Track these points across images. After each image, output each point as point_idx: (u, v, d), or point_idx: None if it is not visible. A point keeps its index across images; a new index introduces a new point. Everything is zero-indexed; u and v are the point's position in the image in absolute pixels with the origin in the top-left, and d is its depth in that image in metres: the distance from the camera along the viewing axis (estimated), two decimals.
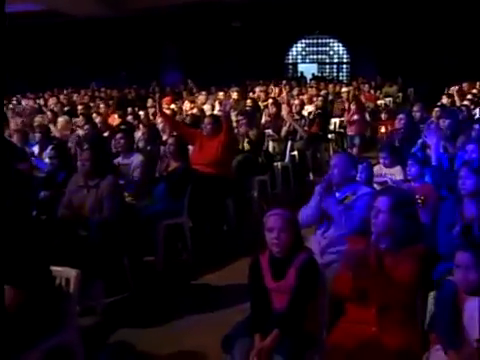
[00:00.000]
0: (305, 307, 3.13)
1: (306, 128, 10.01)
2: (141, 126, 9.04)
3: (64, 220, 4.83)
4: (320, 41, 26.81)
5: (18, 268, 3.38)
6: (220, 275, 5.65)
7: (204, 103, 12.67)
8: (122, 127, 7.92)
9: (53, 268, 3.65)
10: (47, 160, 6.73)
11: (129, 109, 11.62)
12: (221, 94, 13.17)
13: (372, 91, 15.97)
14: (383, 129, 9.63)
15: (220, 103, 11.89)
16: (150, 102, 13.15)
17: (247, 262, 5.21)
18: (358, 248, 3.29)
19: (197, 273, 5.66)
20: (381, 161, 5.92)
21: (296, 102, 10.87)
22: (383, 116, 10.62)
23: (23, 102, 15.69)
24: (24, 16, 21.65)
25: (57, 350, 3.61)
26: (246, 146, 7.73)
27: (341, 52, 26.82)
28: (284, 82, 15.49)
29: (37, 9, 20.75)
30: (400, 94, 17.15)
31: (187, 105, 12.13)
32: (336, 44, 26.72)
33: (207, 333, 4.35)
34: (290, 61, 27.28)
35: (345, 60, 26.89)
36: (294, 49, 27.12)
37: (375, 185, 5.31)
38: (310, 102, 12.36)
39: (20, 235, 3.49)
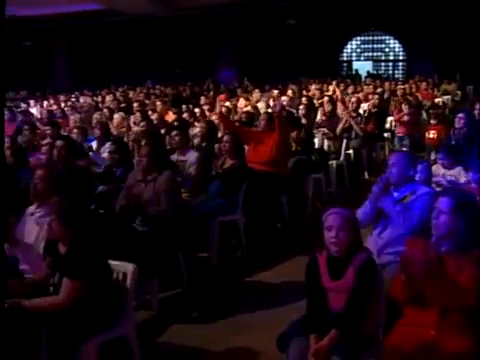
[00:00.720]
0: (363, 308, 3.09)
1: (362, 126, 9.87)
2: (196, 123, 9.11)
3: (121, 215, 4.90)
4: (375, 38, 26.43)
5: (78, 261, 3.46)
6: (273, 273, 5.63)
7: (258, 101, 12.66)
8: (176, 124, 8.00)
9: (111, 262, 3.71)
10: (105, 155, 6.86)
11: (184, 106, 11.72)
12: (276, 92, 13.12)
13: (430, 89, 15.63)
14: (432, 134, 9.25)
15: (274, 100, 11.87)
16: (203, 99, 13.23)
17: (300, 260, 5.23)
18: (417, 250, 3.22)
19: (251, 270, 5.66)
20: (439, 162, 5.79)
21: (353, 100, 10.73)
22: (432, 121, 9.96)
23: (81, 99, 16.06)
24: (83, 16, 22.18)
25: (113, 343, 3.68)
26: (296, 147, 7.69)
27: (397, 49, 26.37)
28: (334, 82, 15.30)
29: (96, 8, 21.18)
30: (459, 92, 16.71)
31: (242, 103, 12.14)
32: (392, 41, 26.29)
33: (259, 331, 4.36)
34: (345, 58, 26.99)
35: (401, 57, 26.42)
36: (349, 46, 26.83)
37: (433, 185, 5.19)
38: (366, 100, 12.19)
39: (80, 228, 3.57)
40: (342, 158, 8.96)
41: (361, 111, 10.89)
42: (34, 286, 3.72)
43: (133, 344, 3.77)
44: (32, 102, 15.96)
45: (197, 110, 10.69)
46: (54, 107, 13.87)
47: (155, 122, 8.88)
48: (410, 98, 12.67)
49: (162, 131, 8.03)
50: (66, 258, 3.50)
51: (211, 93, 15.89)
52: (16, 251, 3.99)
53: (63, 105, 14.50)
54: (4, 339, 3.46)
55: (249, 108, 10.94)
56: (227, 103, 12.01)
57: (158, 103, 11.73)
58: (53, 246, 3.64)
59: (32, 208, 4.30)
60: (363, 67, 26.11)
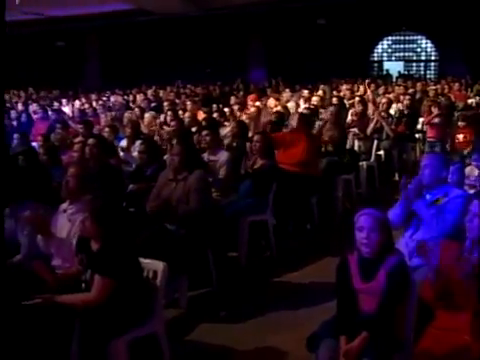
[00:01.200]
0: (394, 310, 3.06)
1: (393, 127, 9.78)
2: (226, 123, 9.12)
3: (152, 213, 4.93)
4: (407, 38, 26.11)
5: (110, 259, 3.49)
6: (302, 273, 5.62)
7: (288, 101, 12.62)
8: (204, 124, 8.02)
9: (141, 260, 3.74)
10: (135, 154, 6.91)
11: (214, 106, 11.74)
12: (306, 92, 13.06)
13: (463, 90, 15.39)
14: (461, 138, 8.95)
15: (305, 101, 11.83)
16: (233, 99, 13.24)
17: (329, 261, 5.21)
18: (451, 254, 3.18)
19: (280, 270, 5.65)
20: (474, 164, 5.69)
21: (383, 100, 10.63)
22: (460, 123, 9.55)
23: (112, 98, 16.20)
24: (114, 15, 22.39)
25: (143, 340, 3.71)
26: (327, 148, 7.66)
27: (429, 49, 26.03)
28: (367, 80, 15.17)
29: (126, 8, 21.36)
30: None
31: (271, 102, 12.11)
32: (424, 41, 25.95)
33: (287, 331, 4.36)
34: (375, 59, 26.75)
35: (433, 58, 26.07)
36: (380, 46, 26.57)
37: (466, 187, 5.11)
38: (397, 101, 12.06)
39: (112, 226, 3.60)
40: (372, 159, 8.89)
41: (392, 112, 10.79)
42: (66, 282, 3.78)
43: (162, 342, 3.80)
44: (64, 101, 16.16)
45: (227, 110, 10.71)
46: (86, 106, 14.04)
47: (187, 121, 8.91)
48: (442, 99, 12.49)
49: (193, 130, 8.05)
50: (98, 255, 3.54)
51: (241, 93, 15.89)
52: (50, 246, 4.06)
53: (94, 104, 14.66)
54: (36, 334, 3.52)
55: (279, 108, 10.91)
56: (257, 103, 11.99)
57: (188, 103, 11.78)
58: (85, 243, 3.68)
59: (64, 205, 4.35)
60: (394, 67, 25.84)
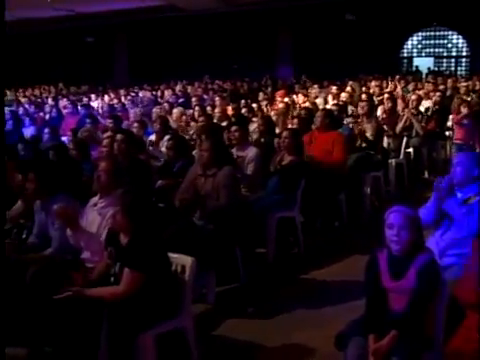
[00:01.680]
0: (424, 309, 3.03)
1: (423, 124, 9.64)
2: (254, 119, 9.11)
3: (182, 206, 4.95)
4: (437, 34, 25.73)
5: (139, 252, 3.52)
6: (330, 270, 5.60)
7: (317, 97, 12.57)
8: (233, 120, 8.02)
9: (170, 255, 3.76)
10: (164, 149, 6.94)
11: (242, 102, 11.74)
12: (334, 88, 12.99)
13: None
14: None
15: (333, 97, 11.76)
16: (261, 95, 13.23)
17: (357, 259, 5.19)
18: None
19: (307, 268, 5.63)
20: None
21: (413, 97, 10.49)
22: None
23: (140, 94, 16.32)
24: (143, 11, 22.52)
25: (170, 335, 3.73)
26: (361, 143, 7.59)
27: (460, 45, 25.62)
28: (397, 76, 15.03)
29: (155, 4, 21.47)
30: None
31: (300, 98, 12.08)
32: (455, 36, 25.55)
33: (314, 328, 4.34)
34: (405, 55, 26.44)
35: (464, 53, 25.67)
36: (409, 42, 26.25)
37: None
38: (427, 98, 11.91)
39: (142, 221, 3.63)
40: (402, 156, 8.79)
41: (422, 109, 10.65)
42: (95, 275, 3.82)
43: (190, 337, 3.81)
44: (93, 96, 16.33)
45: (255, 106, 10.70)
46: (115, 101, 14.17)
47: (217, 117, 8.91)
48: (473, 96, 12.29)
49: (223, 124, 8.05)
50: (127, 249, 3.57)
51: (269, 89, 15.87)
52: (80, 240, 4.10)
53: (123, 99, 14.79)
54: (65, 326, 3.57)
55: (308, 104, 10.87)
56: (286, 99, 11.96)
57: (217, 98, 11.80)
58: (115, 237, 3.71)
59: (95, 199, 4.39)
60: (424, 63, 25.50)
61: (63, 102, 14.00)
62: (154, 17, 23.43)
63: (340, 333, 3.18)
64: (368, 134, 7.66)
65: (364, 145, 7.58)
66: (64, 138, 8.60)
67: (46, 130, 8.42)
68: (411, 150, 9.25)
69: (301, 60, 23.69)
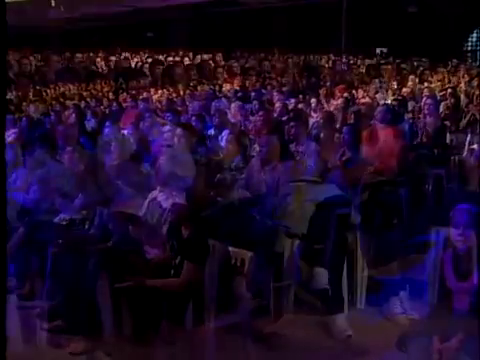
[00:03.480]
0: None
1: None
2: (313, 113, 9.04)
3: (239, 203, 4.95)
4: None
5: (200, 246, 3.55)
6: (389, 269, 5.47)
7: (377, 92, 12.36)
8: (291, 115, 7.98)
9: (230, 248, 3.77)
10: (223, 143, 6.97)
11: (300, 96, 11.65)
12: (394, 83, 12.74)
13: None
14: None
15: (393, 92, 11.54)
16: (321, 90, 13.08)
17: (417, 257, 5.06)
18: None
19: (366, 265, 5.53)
20: None
21: (477, 92, 10.19)
22: None
23: (199, 87, 16.40)
24: (203, 6, 22.66)
25: (227, 329, 3.75)
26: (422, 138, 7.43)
27: None
28: (463, 67, 14.60)
29: None
30: None
31: (360, 93, 11.91)
32: None
33: (373, 328, 4.27)
34: (470, 48, 25.71)
35: None
36: (475, 35, 25.49)
37: None
38: None
39: (202, 214, 3.66)
40: (465, 153, 8.53)
41: None
42: (156, 267, 3.87)
43: (246, 331, 3.82)
44: (152, 90, 16.52)
45: (314, 100, 10.60)
46: (173, 95, 14.30)
47: (277, 111, 8.89)
48: None
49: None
50: (188, 242, 3.60)
51: (328, 83, 15.69)
52: (141, 232, 4.17)
53: (182, 93, 14.91)
54: (127, 315, 3.64)
55: (367, 99, 10.70)
56: (345, 94, 11.80)
57: (275, 93, 11.74)
58: (176, 229, 3.75)
59: (155, 192, 4.46)
60: None
61: (123, 96, 14.24)
62: (214, 11, 23.52)
63: (403, 334, 3.12)
64: (429, 130, 7.48)
65: (425, 141, 7.41)
66: (124, 131, 8.74)
67: (107, 123, 8.58)
68: (475, 147, 8.96)
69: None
